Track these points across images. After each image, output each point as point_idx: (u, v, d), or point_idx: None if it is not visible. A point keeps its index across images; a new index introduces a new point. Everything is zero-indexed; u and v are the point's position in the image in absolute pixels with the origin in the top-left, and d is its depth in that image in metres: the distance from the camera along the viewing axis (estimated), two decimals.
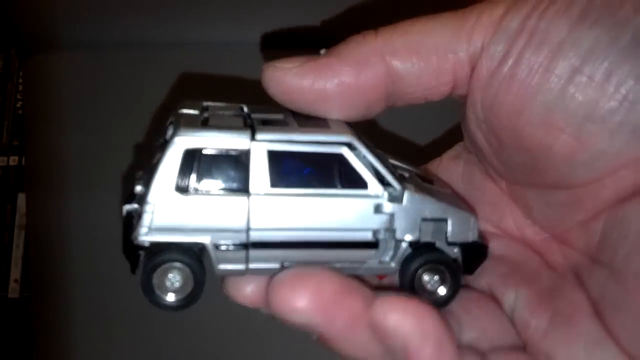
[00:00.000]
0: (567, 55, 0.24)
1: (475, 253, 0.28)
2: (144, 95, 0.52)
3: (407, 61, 0.26)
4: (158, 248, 0.25)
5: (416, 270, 0.27)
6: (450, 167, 0.33)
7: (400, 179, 0.27)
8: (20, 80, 0.98)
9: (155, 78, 0.52)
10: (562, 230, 0.28)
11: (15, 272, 0.94)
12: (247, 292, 0.27)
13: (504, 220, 0.31)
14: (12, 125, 0.99)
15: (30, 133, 0.57)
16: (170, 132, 0.26)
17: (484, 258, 0.28)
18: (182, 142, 0.25)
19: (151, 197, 0.25)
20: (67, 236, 0.53)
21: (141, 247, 0.25)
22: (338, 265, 0.26)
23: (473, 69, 0.26)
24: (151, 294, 0.26)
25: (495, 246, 0.29)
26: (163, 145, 0.26)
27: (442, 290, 0.28)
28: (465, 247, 0.28)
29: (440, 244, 0.27)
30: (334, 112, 0.27)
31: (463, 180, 0.32)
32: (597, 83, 0.24)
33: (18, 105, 0.99)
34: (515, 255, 0.30)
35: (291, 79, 0.26)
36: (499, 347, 0.27)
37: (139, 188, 0.26)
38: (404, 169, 0.29)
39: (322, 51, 0.27)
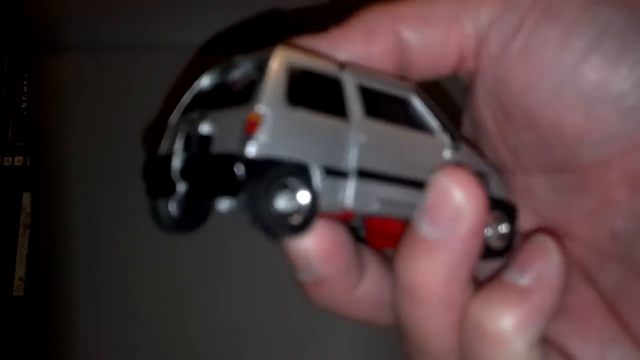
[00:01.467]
0: (582, 33, 0.23)
1: (510, 211, 0.28)
2: (148, 97, 0.52)
3: (415, 29, 0.26)
4: (269, 164, 0.22)
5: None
6: None
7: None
8: (26, 82, 0.99)
9: (159, 80, 0.52)
10: (567, 221, 0.28)
11: (20, 271, 0.95)
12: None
13: None
14: (17, 126, 1.00)
15: (35, 133, 0.57)
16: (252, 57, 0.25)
17: (516, 218, 0.28)
18: (284, 57, 0.23)
19: (260, 106, 0.22)
20: (72, 235, 0.53)
21: (253, 163, 0.21)
22: (411, 212, 0.25)
23: (480, 42, 0.25)
24: (273, 217, 0.22)
25: None
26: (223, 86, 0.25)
27: (504, 228, 0.27)
28: (503, 204, 0.28)
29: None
30: None
31: None
32: (610, 63, 0.23)
33: (23, 106, 1.00)
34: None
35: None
36: None
37: (206, 127, 0.23)
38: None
39: (333, 26, 0.26)
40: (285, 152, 0.22)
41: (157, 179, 0.25)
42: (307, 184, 0.22)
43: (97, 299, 0.53)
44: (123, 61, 0.53)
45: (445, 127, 0.26)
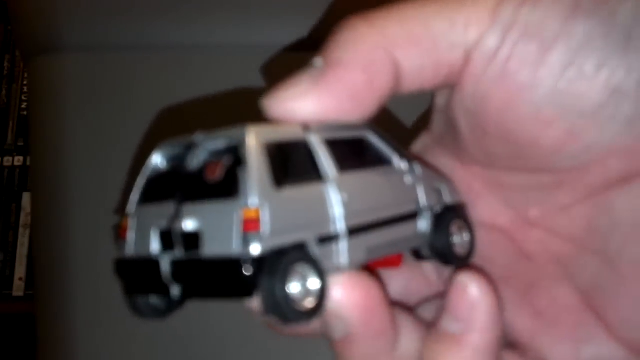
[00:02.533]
0: (560, 49, 0.23)
1: (464, 212, 0.29)
2: (147, 97, 0.52)
3: (409, 53, 0.25)
4: (274, 256, 0.21)
5: (448, 227, 0.28)
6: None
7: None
8: (25, 82, 0.99)
9: (159, 80, 0.52)
10: (542, 216, 0.28)
11: (20, 271, 0.95)
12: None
13: (476, 208, 0.30)
14: (17, 126, 1.00)
15: (35, 133, 0.57)
16: (212, 141, 0.24)
17: (470, 215, 0.29)
18: (258, 137, 0.22)
19: (254, 199, 0.21)
20: (72, 235, 0.53)
21: (260, 260, 0.21)
22: (398, 246, 0.26)
23: (466, 61, 0.25)
24: (289, 306, 0.22)
25: None
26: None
27: (467, 237, 0.28)
28: (458, 208, 0.29)
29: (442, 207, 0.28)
30: (351, 119, 0.25)
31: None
32: (588, 76, 0.23)
33: (23, 106, 1.00)
34: (490, 248, 0.29)
35: (304, 107, 0.24)
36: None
37: (190, 224, 0.22)
38: None
39: (317, 60, 0.25)
40: (284, 237, 0.22)
41: (144, 280, 0.24)
42: (313, 264, 0.22)
43: (97, 299, 0.53)
44: (123, 61, 0.53)
45: (400, 154, 0.27)
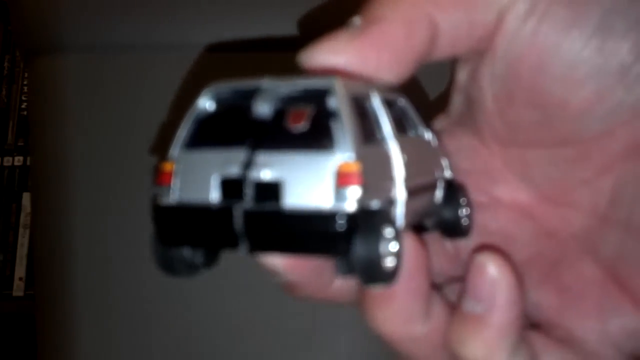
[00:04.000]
0: (591, 12, 0.24)
1: (462, 187, 0.29)
2: (148, 97, 0.52)
3: (448, 13, 0.25)
4: (367, 214, 0.20)
5: (459, 199, 0.28)
6: None
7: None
8: (26, 82, 0.99)
9: (160, 80, 0.52)
10: (564, 191, 0.28)
11: (20, 271, 0.95)
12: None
13: (496, 187, 0.30)
14: (17, 126, 1.00)
15: (35, 134, 0.57)
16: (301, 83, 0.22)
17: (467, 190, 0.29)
18: (346, 89, 0.21)
19: (351, 153, 0.20)
20: (72, 235, 0.53)
21: (355, 217, 0.20)
22: (424, 213, 0.26)
23: (498, 24, 0.25)
24: (379, 267, 0.21)
25: (487, 218, 0.29)
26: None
27: (467, 210, 0.28)
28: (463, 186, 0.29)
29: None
30: (387, 77, 0.25)
31: (449, 152, 0.31)
32: (617, 37, 0.24)
33: (23, 106, 1.00)
34: (512, 227, 0.29)
35: (344, 59, 0.23)
36: None
37: (268, 174, 0.21)
38: None
39: (356, 19, 0.25)
40: (372, 195, 0.21)
41: (206, 231, 0.22)
42: (393, 224, 0.21)
43: (97, 299, 0.53)
44: (123, 61, 0.53)
45: (425, 123, 0.27)
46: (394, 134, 0.23)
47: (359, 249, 0.20)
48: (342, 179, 0.20)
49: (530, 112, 0.26)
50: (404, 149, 0.23)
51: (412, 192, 0.23)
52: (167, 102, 0.51)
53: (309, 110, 0.21)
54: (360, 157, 0.20)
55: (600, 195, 0.27)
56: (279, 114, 0.21)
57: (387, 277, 0.21)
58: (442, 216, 0.27)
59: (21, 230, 0.97)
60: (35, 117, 0.58)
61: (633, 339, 0.26)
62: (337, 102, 0.21)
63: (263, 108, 0.22)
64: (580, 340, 0.26)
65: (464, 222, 0.28)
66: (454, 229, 0.28)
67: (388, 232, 0.21)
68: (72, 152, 0.54)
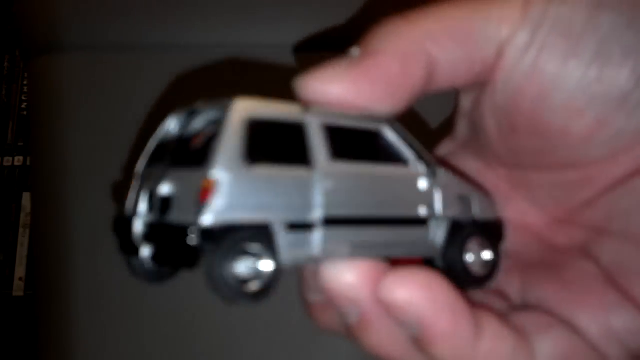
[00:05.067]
0: (588, 41, 0.24)
1: (496, 231, 0.28)
2: (148, 97, 0.52)
3: (446, 49, 0.25)
4: (226, 231, 0.21)
5: (463, 242, 0.26)
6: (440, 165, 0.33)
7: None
8: (25, 82, 0.99)
9: (159, 80, 0.52)
10: (568, 211, 0.29)
11: (20, 271, 0.95)
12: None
13: (504, 209, 0.30)
14: (17, 126, 1.00)
15: (35, 133, 0.58)
16: (207, 112, 0.23)
17: (504, 235, 0.28)
18: (243, 110, 0.22)
19: (215, 170, 0.21)
20: (71, 235, 0.53)
21: (209, 232, 0.21)
22: (395, 249, 0.25)
23: (499, 57, 0.26)
24: (231, 285, 0.21)
25: None
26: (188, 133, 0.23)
27: (489, 256, 0.27)
28: (492, 225, 0.28)
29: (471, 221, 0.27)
30: (381, 109, 0.25)
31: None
32: (615, 65, 0.24)
33: (23, 106, 1.00)
34: (519, 245, 0.30)
35: (337, 90, 0.24)
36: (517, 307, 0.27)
37: (165, 188, 0.23)
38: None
39: (355, 50, 0.25)
40: (245, 213, 0.21)
41: (123, 239, 0.24)
42: (268, 246, 0.22)
43: (97, 299, 0.53)
44: (123, 61, 0.53)
45: (420, 156, 0.26)
46: (325, 159, 0.23)
47: (207, 263, 0.21)
48: (202, 195, 0.21)
49: (533, 141, 0.27)
50: (340, 175, 0.24)
51: (351, 221, 0.24)
52: (166, 102, 0.51)
53: (207, 132, 0.23)
54: (232, 176, 0.21)
55: (599, 211, 0.27)
56: (195, 136, 0.24)
57: (242, 296, 0.21)
58: (444, 258, 0.26)
59: (21, 230, 0.97)
60: (35, 117, 0.58)
61: (637, 337, 0.26)
62: (224, 123, 0.22)
63: (189, 130, 0.24)
64: (584, 331, 0.26)
65: (475, 268, 0.26)
66: (456, 275, 0.26)
67: (255, 251, 0.21)
68: (72, 152, 0.54)
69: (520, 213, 0.30)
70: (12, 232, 0.96)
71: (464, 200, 0.27)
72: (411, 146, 0.26)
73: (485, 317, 0.25)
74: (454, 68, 0.26)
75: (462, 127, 0.31)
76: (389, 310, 0.23)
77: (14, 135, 1.00)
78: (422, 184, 0.26)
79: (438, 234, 0.26)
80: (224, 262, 0.21)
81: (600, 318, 0.26)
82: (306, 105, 0.24)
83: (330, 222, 0.23)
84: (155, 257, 0.23)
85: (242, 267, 0.21)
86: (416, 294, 0.23)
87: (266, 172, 0.22)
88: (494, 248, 0.27)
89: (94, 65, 0.54)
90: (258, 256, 0.22)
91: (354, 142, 0.25)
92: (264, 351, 0.52)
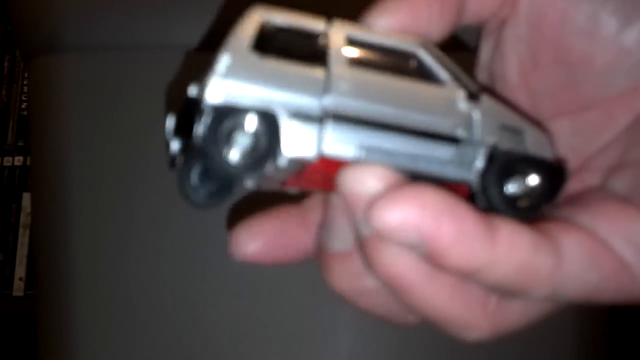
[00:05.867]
0: None
1: (555, 175, 0.25)
2: (148, 97, 0.52)
3: None
4: (227, 111, 0.22)
5: (504, 171, 0.24)
6: None
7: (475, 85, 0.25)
8: (25, 82, 0.99)
9: (159, 80, 0.52)
10: (583, 158, 0.28)
11: (20, 271, 0.95)
12: (252, 248, 0.25)
13: None
14: (17, 126, 1.00)
15: (35, 134, 0.58)
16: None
17: (564, 181, 0.25)
18: (258, 13, 0.23)
19: (222, 56, 0.22)
20: (72, 235, 0.53)
21: (209, 108, 0.22)
22: (415, 164, 0.23)
23: None
24: (215, 150, 0.21)
25: None
26: None
27: (534, 180, 0.24)
28: (544, 164, 0.25)
29: (522, 157, 0.25)
30: (439, 28, 0.25)
31: None
32: None
33: (23, 106, 1.00)
34: None
35: (403, 16, 0.24)
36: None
37: (194, 90, 0.23)
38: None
39: None
40: (248, 98, 0.21)
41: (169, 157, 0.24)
42: (272, 132, 0.22)
43: (97, 299, 0.53)
44: (123, 61, 0.53)
45: (459, 79, 0.24)
46: (343, 65, 0.23)
47: (203, 130, 0.21)
48: (209, 75, 0.22)
49: (556, 73, 0.27)
50: (358, 80, 0.23)
51: (364, 122, 0.22)
52: (165, 102, 0.51)
53: None
54: (243, 62, 0.22)
55: (615, 151, 0.26)
56: None
57: (229, 165, 0.22)
58: (483, 186, 0.24)
59: (21, 230, 0.97)
60: (35, 117, 0.58)
61: None
62: (240, 23, 0.23)
63: None
64: (606, 239, 0.24)
65: (520, 203, 0.24)
66: (495, 205, 0.24)
67: (253, 128, 0.21)
68: (72, 152, 0.54)
69: None
70: (12, 232, 0.97)
71: (512, 131, 0.25)
72: (450, 69, 0.25)
73: (499, 220, 0.22)
74: None
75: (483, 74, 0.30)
76: (386, 237, 0.21)
77: (14, 135, 1.00)
78: (459, 103, 0.24)
79: (476, 160, 0.24)
80: (213, 129, 0.21)
81: (621, 227, 0.24)
82: (332, 21, 0.24)
83: (340, 118, 0.22)
84: (183, 149, 0.23)
85: (242, 140, 0.22)
86: (409, 211, 0.21)
87: (275, 64, 0.22)
88: (544, 180, 0.25)
89: (94, 65, 0.54)
90: (260, 138, 0.22)
91: (382, 57, 0.24)
92: (264, 351, 0.52)
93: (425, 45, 0.25)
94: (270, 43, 0.22)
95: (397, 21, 0.24)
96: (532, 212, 0.24)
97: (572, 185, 0.28)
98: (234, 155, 0.21)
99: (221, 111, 0.21)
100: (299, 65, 0.22)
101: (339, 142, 0.22)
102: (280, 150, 0.22)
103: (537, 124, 0.27)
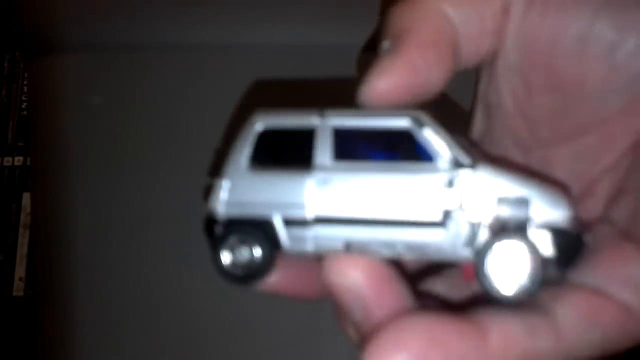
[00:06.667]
0: None
1: (567, 241, 0.23)
2: (148, 97, 0.52)
3: (456, 7, 0.25)
4: (231, 222, 0.26)
5: (487, 248, 0.23)
6: None
7: (471, 154, 0.25)
8: (25, 82, 0.99)
9: (159, 80, 0.52)
10: (588, 183, 0.27)
11: (20, 271, 0.95)
12: (272, 279, 0.27)
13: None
14: (17, 126, 1.00)
15: (35, 134, 0.58)
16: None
17: (579, 249, 0.24)
18: (258, 122, 0.26)
19: (225, 173, 0.26)
20: (71, 235, 0.53)
21: (217, 220, 0.27)
22: (403, 248, 0.24)
23: (505, 13, 0.25)
24: (218, 264, 0.27)
25: None
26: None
27: (523, 269, 0.23)
28: (555, 233, 0.23)
29: (525, 229, 0.23)
30: (439, 75, 0.25)
31: None
32: (625, 7, 0.24)
33: (23, 106, 1.00)
34: None
35: (400, 74, 0.25)
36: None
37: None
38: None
39: (385, 43, 0.26)
40: (246, 210, 0.26)
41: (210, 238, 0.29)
42: (270, 238, 0.25)
43: (97, 299, 0.53)
44: (123, 61, 0.53)
45: (450, 152, 0.24)
46: (328, 162, 0.25)
47: (212, 246, 0.27)
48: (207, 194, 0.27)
49: (550, 99, 0.26)
50: (341, 177, 0.25)
51: (347, 220, 0.25)
52: (166, 103, 0.51)
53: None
54: (236, 179, 0.26)
55: (618, 174, 0.26)
56: None
57: (233, 278, 0.27)
58: (481, 270, 0.24)
59: (21, 230, 0.97)
60: (35, 117, 0.58)
61: None
62: (240, 133, 0.26)
63: None
64: (603, 288, 0.24)
65: (500, 283, 0.23)
66: (484, 288, 0.24)
67: (249, 241, 0.26)
68: (72, 152, 0.54)
69: None
70: (12, 232, 0.96)
71: (514, 203, 0.24)
72: (441, 142, 0.24)
73: (486, 316, 0.23)
74: (469, 31, 0.26)
75: (478, 118, 0.30)
76: (332, 292, 0.24)
77: (14, 135, 1.00)
78: (444, 183, 0.24)
79: (472, 240, 0.24)
80: (216, 249, 0.26)
81: (618, 272, 0.24)
82: (323, 111, 0.26)
83: (325, 221, 0.25)
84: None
85: (230, 254, 0.26)
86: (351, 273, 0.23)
87: (269, 174, 0.26)
88: (534, 259, 0.23)
89: (94, 66, 0.54)
90: (260, 246, 0.26)
91: (368, 143, 0.25)
92: (264, 351, 0.52)
93: (418, 118, 0.25)
94: (270, 148, 0.26)
95: (396, 80, 0.25)
96: (533, 289, 0.23)
97: (579, 214, 0.27)
98: (234, 267, 0.26)
99: (227, 224, 0.26)
100: (292, 174, 0.25)
101: (327, 241, 0.25)
102: (281, 249, 0.26)
103: (552, 182, 0.26)
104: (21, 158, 0.99)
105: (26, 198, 0.97)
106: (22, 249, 0.96)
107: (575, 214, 0.24)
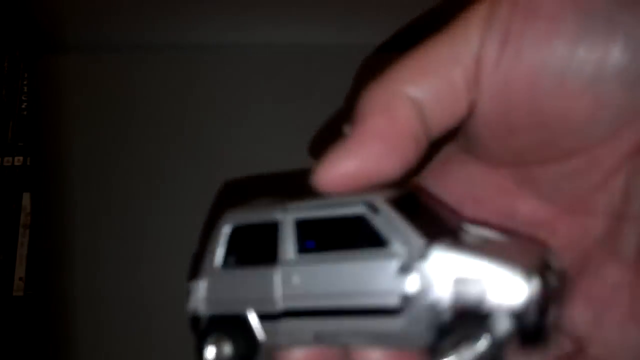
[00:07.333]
0: (567, 19, 0.23)
1: (522, 323, 0.22)
2: (148, 97, 0.52)
3: (424, 85, 0.25)
4: (213, 318, 0.28)
5: (452, 341, 0.23)
6: (443, 172, 0.31)
7: (430, 234, 0.25)
8: (26, 82, 0.99)
9: (160, 80, 0.52)
10: (579, 200, 0.27)
11: (20, 271, 0.95)
12: None
13: (516, 209, 0.29)
14: (17, 126, 1.00)
15: (35, 134, 0.58)
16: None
17: (538, 330, 0.23)
18: (226, 221, 0.28)
19: (203, 273, 0.29)
20: (72, 235, 0.54)
21: (200, 317, 0.29)
22: (364, 338, 0.25)
23: (477, 66, 0.25)
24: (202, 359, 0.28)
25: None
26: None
27: (483, 343, 0.22)
28: (511, 315, 0.22)
29: (484, 309, 0.23)
30: (393, 166, 0.25)
31: (460, 181, 0.31)
32: (603, 41, 0.23)
33: (23, 106, 1.00)
34: None
35: (348, 168, 0.25)
36: None
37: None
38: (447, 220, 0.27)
39: (346, 127, 0.26)
40: (222, 307, 0.28)
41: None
42: (246, 331, 0.27)
43: (97, 299, 0.53)
44: (124, 61, 0.53)
45: (406, 237, 0.24)
46: (292, 255, 0.26)
47: (197, 341, 0.29)
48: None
49: (533, 135, 0.26)
50: (305, 269, 0.26)
51: (314, 312, 0.26)
52: (166, 103, 0.51)
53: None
54: (212, 279, 0.28)
55: (613, 195, 0.26)
56: None
57: None
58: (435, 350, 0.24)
59: (21, 230, 0.97)
60: (35, 117, 0.58)
61: None
62: (213, 231, 0.29)
63: None
64: (618, 350, 0.25)
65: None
66: None
67: (230, 335, 0.28)
68: (72, 152, 0.54)
69: (531, 210, 0.29)
70: (12, 232, 0.96)
71: (473, 284, 0.23)
72: (394, 226, 0.24)
73: None
74: (438, 100, 0.25)
75: (461, 137, 0.30)
76: None
77: (14, 135, 1.00)
78: (399, 269, 0.24)
79: (430, 324, 0.23)
80: (210, 344, 0.28)
81: (635, 332, 0.24)
82: (286, 203, 0.27)
83: (291, 314, 0.26)
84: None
85: (211, 350, 0.28)
86: None
87: (241, 271, 0.28)
88: (499, 343, 0.22)
89: (94, 66, 0.54)
90: (241, 341, 0.28)
91: (328, 233, 0.26)
92: None
93: (372, 204, 0.25)
94: (241, 245, 0.28)
95: (347, 169, 0.25)
96: None
97: (575, 233, 0.28)
98: (214, 352, 0.28)
99: (210, 321, 0.28)
100: (260, 269, 0.27)
101: (297, 333, 0.26)
102: (256, 341, 0.27)
103: (531, 245, 0.26)
104: (21, 158, 0.99)
105: (26, 198, 0.97)
106: (22, 249, 0.96)
107: (540, 290, 0.23)
